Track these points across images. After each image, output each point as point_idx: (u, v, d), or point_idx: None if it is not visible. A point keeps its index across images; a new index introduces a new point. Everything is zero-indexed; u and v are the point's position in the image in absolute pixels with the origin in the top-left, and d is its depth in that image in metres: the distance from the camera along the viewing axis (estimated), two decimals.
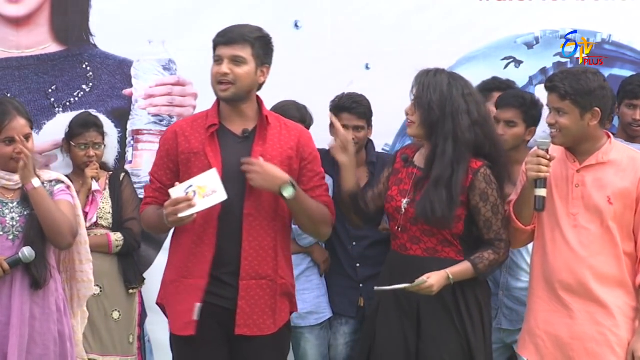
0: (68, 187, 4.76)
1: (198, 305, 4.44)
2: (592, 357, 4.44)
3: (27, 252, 4.57)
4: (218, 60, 4.50)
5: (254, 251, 4.47)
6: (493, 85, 5.71)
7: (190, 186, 4.31)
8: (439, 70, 4.65)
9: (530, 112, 5.37)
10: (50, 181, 4.73)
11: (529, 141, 5.42)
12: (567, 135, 4.45)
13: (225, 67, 4.47)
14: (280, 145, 4.53)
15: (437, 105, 4.53)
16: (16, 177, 4.64)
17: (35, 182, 4.57)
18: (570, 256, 4.45)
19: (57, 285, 4.72)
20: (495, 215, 4.58)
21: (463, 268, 4.54)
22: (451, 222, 4.53)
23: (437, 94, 4.55)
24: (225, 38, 4.50)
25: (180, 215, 4.29)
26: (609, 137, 4.55)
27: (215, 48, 4.54)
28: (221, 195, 4.32)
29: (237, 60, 4.48)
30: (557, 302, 4.49)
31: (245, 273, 4.46)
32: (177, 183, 4.35)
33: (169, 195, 4.43)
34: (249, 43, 4.50)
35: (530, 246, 5.02)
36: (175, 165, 4.54)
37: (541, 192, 4.41)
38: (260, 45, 4.54)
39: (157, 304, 4.67)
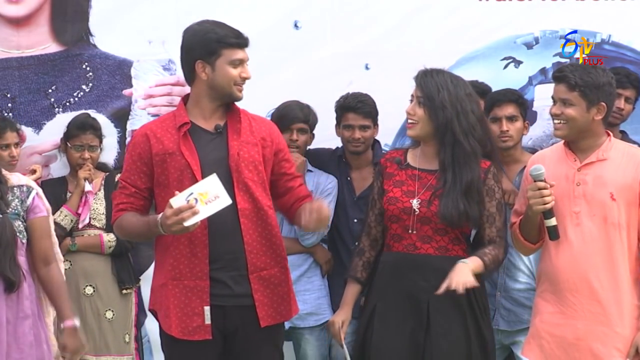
0: (38, 195, 4.73)
1: (207, 308, 4.44)
2: (597, 358, 4.43)
3: None
4: (240, 63, 4.48)
5: (257, 243, 4.48)
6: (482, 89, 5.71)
7: (191, 194, 4.27)
8: (439, 70, 4.66)
9: (525, 105, 5.48)
10: (20, 186, 4.69)
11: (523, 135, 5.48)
12: (571, 127, 4.46)
13: (249, 71, 4.49)
14: (253, 137, 4.53)
15: (449, 104, 4.54)
16: None
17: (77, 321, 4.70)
18: (574, 255, 4.45)
19: (31, 289, 4.69)
20: (499, 212, 4.62)
21: (475, 260, 4.51)
22: (477, 221, 4.57)
23: (445, 92, 4.55)
24: (245, 40, 4.50)
25: (186, 223, 4.25)
26: (608, 134, 4.55)
27: (225, 48, 4.47)
28: (225, 200, 4.29)
29: (247, 63, 4.52)
30: (562, 303, 4.48)
31: (254, 267, 4.47)
32: (176, 192, 4.28)
33: (144, 200, 4.48)
34: None
35: (517, 250, 5.05)
36: (149, 168, 4.50)
37: (552, 222, 4.43)
38: None
39: (150, 310, 4.65)
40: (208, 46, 4.48)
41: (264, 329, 4.50)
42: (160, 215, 4.33)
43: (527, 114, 5.54)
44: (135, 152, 4.53)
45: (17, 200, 4.65)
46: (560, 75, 4.48)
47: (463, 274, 4.39)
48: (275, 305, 4.53)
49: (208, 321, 4.44)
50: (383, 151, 6.01)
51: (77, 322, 4.68)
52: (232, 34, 4.49)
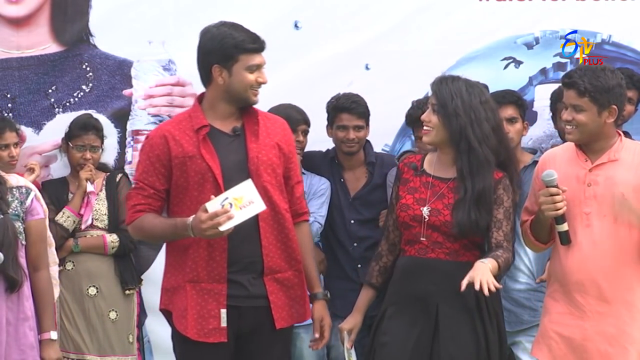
0: (36, 196, 4.73)
1: (224, 311, 4.45)
2: (605, 358, 4.42)
3: None
4: (257, 68, 4.48)
5: (273, 247, 4.49)
6: None
7: (226, 198, 4.28)
8: (455, 77, 4.64)
9: (524, 106, 5.49)
10: (19, 187, 4.68)
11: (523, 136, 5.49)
12: (583, 132, 4.44)
13: (265, 76, 4.50)
14: (270, 139, 4.53)
15: (462, 111, 4.53)
16: None
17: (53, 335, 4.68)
18: (583, 257, 4.43)
19: (30, 291, 4.70)
20: (507, 219, 4.57)
21: (492, 261, 4.41)
22: (485, 231, 4.55)
23: (459, 100, 4.54)
24: (261, 45, 4.50)
25: (221, 228, 4.26)
26: (619, 135, 4.54)
27: (242, 54, 4.46)
28: (259, 206, 4.31)
29: (263, 67, 4.53)
30: (571, 304, 4.47)
31: (270, 269, 4.50)
32: (212, 196, 4.30)
33: (161, 201, 4.48)
34: None
35: (527, 247, 5.05)
36: (167, 170, 4.48)
37: (563, 227, 4.42)
38: None
39: (161, 309, 4.63)
40: (225, 51, 4.46)
41: (277, 331, 4.52)
42: (190, 218, 4.32)
43: (527, 114, 5.54)
44: (153, 154, 4.50)
45: (16, 201, 4.64)
46: (569, 81, 4.44)
47: (485, 273, 4.31)
48: (289, 308, 4.56)
49: (224, 324, 4.44)
50: (383, 150, 6.02)
51: (53, 335, 4.68)
52: (249, 39, 4.48)
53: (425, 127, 4.65)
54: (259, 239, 4.46)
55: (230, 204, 4.27)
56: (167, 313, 4.59)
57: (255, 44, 4.48)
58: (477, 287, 4.26)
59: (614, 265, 4.41)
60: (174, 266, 4.55)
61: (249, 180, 4.33)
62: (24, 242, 4.63)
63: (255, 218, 4.40)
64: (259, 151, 4.47)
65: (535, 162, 5.32)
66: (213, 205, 4.27)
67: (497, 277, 4.48)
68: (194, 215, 4.31)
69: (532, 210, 4.59)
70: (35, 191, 4.72)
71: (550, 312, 4.56)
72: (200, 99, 4.58)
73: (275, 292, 4.51)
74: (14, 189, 4.64)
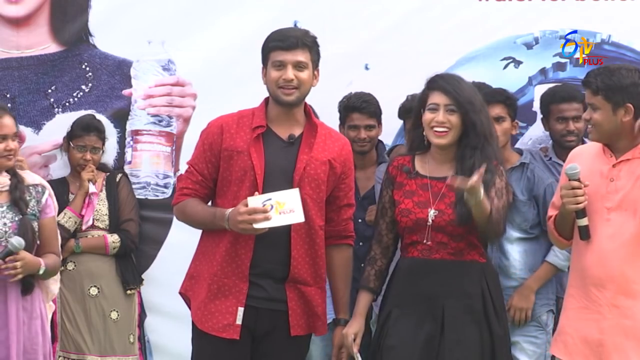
0: (49, 194, 4.74)
1: (241, 309, 4.48)
2: (620, 351, 4.43)
3: (15, 241, 4.54)
4: (280, 65, 4.50)
5: (302, 260, 4.53)
6: None
7: (269, 199, 4.34)
8: (455, 75, 4.68)
9: (513, 105, 5.48)
10: (35, 185, 4.69)
11: (513, 136, 5.50)
12: (600, 132, 4.46)
13: (290, 73, 4.48)
14: (324, 154, 4.56)
15: (482, 106, 4.55)
16: (2, 179, 4.64)
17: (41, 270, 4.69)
18: (602, 250, 4.44)
19: (40, 291, 4.72)
20: (498, 197, 4.52)
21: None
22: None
23: (477, 96, 4.55)
24: (286, 43, 4.51)
25: (256, 225, 4.31)
26: None
27: (270, 52, 4.52)
28: (298, 217, 4.36)
29: (300, 66, 4.51)
30: (587, 299, 4.48)
31: (293, 279, 4.54)
32: (256, 193, 4.36)
33: (208, 189, 4.55)
34: (307, 47, 4.54)
35: (517, 246, 5.23)
36: (217, 159, 4.55)
37: (583, 221, 4.43)
38: (315, 49, 4.58)
39: (180, 293, 4.68)
40: (262, 52, 4.58)
41: (292, 338, 4.56)
42: (229, 209, 4.40)
43: (527, 114, 5.53)
44: (207, 142, 4.59)
45: (33, 200, 4.66)
46: (585, 80, 4.48)
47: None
48: (307, 317, 4.60)
49: (239, 322, 4.48)
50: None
51: (41, 270, 4.71)
52: (277, 37, 4.54)
53: (441, 129, 4.54)
54: (287, 249, 4.50)
55: (272, 206, 4.33)
56: (185, 298, 4.66)
57: (280, 42, 4.52)
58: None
59: (631, 259, 4.41)
60: (204, 254, 4.61)
61: (297, 190, 4.39)
62: (38, 242, 4.64)
63: (288, 228, 4.45)
64: (307, 163, 4.51)
65: (522, 164, 5.35)
66: (254, 201, 4.33)
67: (486, 221, 4.46)
68: (233, 208, 4.37)
69: (559, 206, 4.60)
70: (49, 189, 4.73)
71: (567, 309, 4.58)
72: (268, 100, 4.63)
73: (295, 300, 4.55)
74: (31, 187, 4.66)
